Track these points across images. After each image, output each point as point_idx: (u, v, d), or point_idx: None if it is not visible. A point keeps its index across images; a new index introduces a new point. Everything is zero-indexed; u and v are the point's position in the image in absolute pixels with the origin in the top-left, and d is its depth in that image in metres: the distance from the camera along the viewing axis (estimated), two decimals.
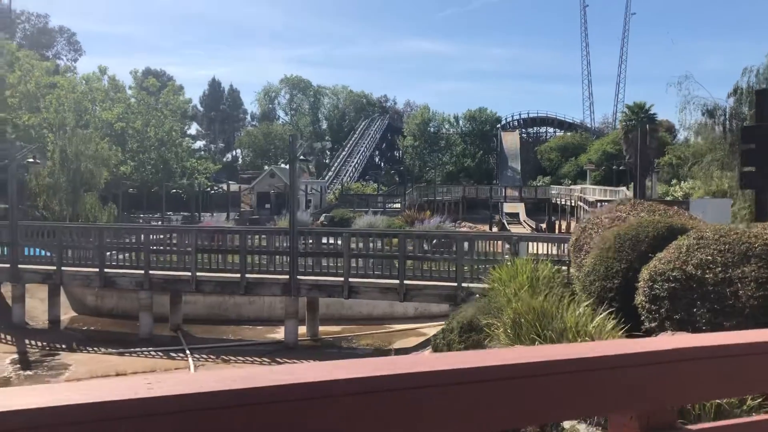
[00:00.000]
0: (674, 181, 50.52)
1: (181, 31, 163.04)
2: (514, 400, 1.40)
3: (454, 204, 63.65)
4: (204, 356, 16.57)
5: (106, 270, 18.71)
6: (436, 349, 11.26)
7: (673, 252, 8.96)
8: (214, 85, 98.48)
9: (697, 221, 11.41)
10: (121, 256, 19.31)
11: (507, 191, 64.77)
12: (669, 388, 1.64)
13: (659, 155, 61.31)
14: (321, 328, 19.35)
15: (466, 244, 16.58)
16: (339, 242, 18.48)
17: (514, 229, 52.47)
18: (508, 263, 14.06)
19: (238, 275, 17.67)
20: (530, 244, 16.81)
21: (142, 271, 18.36)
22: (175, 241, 19.03)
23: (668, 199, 29.19)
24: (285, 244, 17.87)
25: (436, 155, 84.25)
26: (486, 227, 55.54)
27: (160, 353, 16.79)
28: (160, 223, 43.37)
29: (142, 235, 19.23)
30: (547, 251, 16.26)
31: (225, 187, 61.13)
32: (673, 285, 8.58)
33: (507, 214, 62.84)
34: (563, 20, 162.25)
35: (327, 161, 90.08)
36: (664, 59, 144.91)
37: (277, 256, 18.04)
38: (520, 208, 64.50)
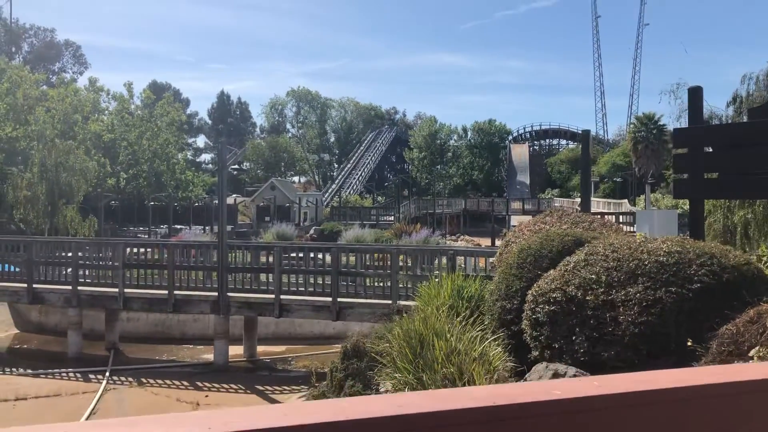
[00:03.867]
0: None
1: (198, 46, 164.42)
2: None
3: (456, 217, 62.30)
4: (123, 378, 15.54)
5: (35, 285, 17.83)
6: (320, 374, 10.10)
7: (560, 270, 7.75)
8: (223, 98, 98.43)
9: (617, 234, 10.11)
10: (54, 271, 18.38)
11: (510, 204, 63.20)
12: None
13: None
14: (263, 348, 18.23)
15: (401, 259, 15.38)
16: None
17: None
18: (436, 279, 12.93)
19: (166, 292, 16.64)
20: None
21: (70, 287, 17.44)
22: (107, 255, 18.05)
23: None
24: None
25: (442, 167, 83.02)
26: (488, 241, 54.16)
27: (78, 374, 15.79)
28: (147, 236, 42.71)
29: (71, 250, 18.23)
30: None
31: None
32: (553, 308, 7.37)
33: (515, 227, 61.36)
34: (580, 32, 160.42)
35: (334, 174, 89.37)
36: (681, 71, 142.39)
37: (212, 272, 16.95)
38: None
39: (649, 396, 1.97)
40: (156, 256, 18.37)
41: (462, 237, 54.67)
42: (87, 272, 18.15)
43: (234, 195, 72.04)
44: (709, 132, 10.24)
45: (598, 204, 52.49)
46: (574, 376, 6.91)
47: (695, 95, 10.12)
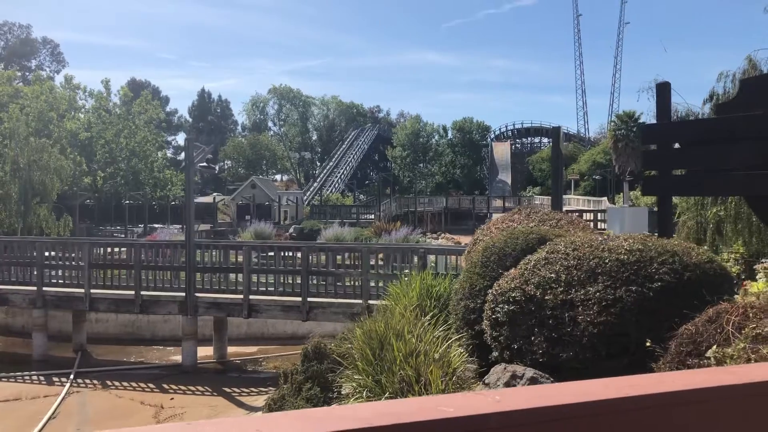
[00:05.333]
0: None
1: (179, 44, 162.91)
2: None
3: (437, 215, 62.18)
4: (88, 381, 15.17)
5: None
6: (285, 376, 9.82)
7: (520, 268, 7.57)
8: (203, 95, 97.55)
9: (583, 232, 9.94)
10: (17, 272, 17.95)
11: (491, 202, 63.27)
12: None
13: None
14: (234, 349, 17.93)
15: (373, 258, 15.15)
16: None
17: None
18: (405, 278, 12.77)
19: (133, 293, 16.30)
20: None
21: (35, 288, 17.03)
22: (72, 256, 17.63)
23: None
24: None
25: (425, 166, 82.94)
26: (469, 239, 53.82)
27: (41, 378, 15.40)
28: (123, 235, 42.14)
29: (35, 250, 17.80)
30: None
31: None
32: (512, 308, 7.17)
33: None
34: (562, 31, 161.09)
35: (316, 172, 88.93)
36: (661, 69, 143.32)
37: (180, 272, 16.60)
38: None
39: (553, 412, 1.77)
40: (124, 256, 18.02)
41: (443, 235, 54.55)
42: (54, 273, 17.74)
43: (214, 193, 71.46)
44: (676, 128, 10.12)
45: (577, 202, 52.67)
46: (532, 377, 6.74)
47: (663, 91, 9.98)
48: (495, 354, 7.50)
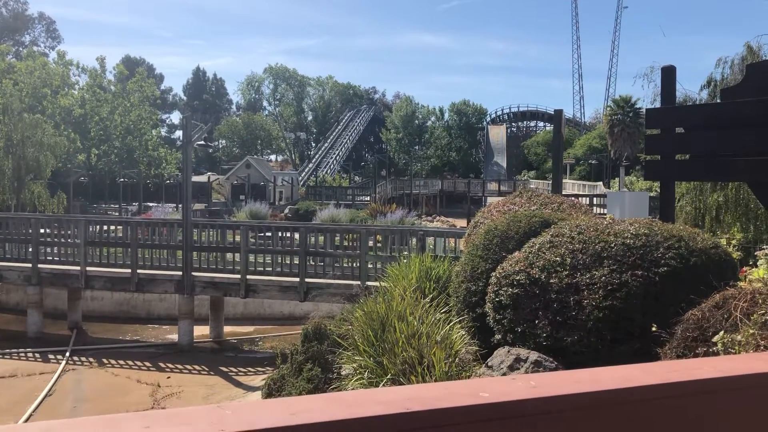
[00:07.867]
0: None
1: (175, 21, 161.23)
2: None
3: (432, 198, 62.12)
4: (84, 359, 15.13)
5: None
6: (284, 356, 9.80)
7: (525, 251, 7.52)
8: (198, 74, 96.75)
9: (586, 216, 9.89)
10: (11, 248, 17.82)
11: (487, 185, 63.21)
12: None
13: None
14: (231, 328, 17.91)
15: (371, 239, 15.10)
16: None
17: None
18: (405, 260, 12.71)
19: (129, 271, 16.22)
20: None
21: (30, 265, 16.92)
22: (68, 233, 17.51)
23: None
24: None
25: (420, 148, 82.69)
26: (464, 222, 54.05)
27: (37, 355, 15.35)
28: (117, 214, 41.93)
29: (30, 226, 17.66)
30: None
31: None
32: (516, 291, 7.13)
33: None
34: (560, 14, 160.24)
35: (311, 152, 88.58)
36: (658, 54, 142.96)
37: (177, 251, 16.51)
38: None
39: (591, 398, 1.71)
40: (121, 234, 17.91)
41: (438, 218, 54.54)
42: (50, 250, 17.64)
43: (209, 173, 71.07)
44: (681, 112, 10.03)
45: (573, 186, 52.67)
46: (537, 360, 6.72)
47: (668, 75, 9.88)
48: (498, 337, 7.47)
